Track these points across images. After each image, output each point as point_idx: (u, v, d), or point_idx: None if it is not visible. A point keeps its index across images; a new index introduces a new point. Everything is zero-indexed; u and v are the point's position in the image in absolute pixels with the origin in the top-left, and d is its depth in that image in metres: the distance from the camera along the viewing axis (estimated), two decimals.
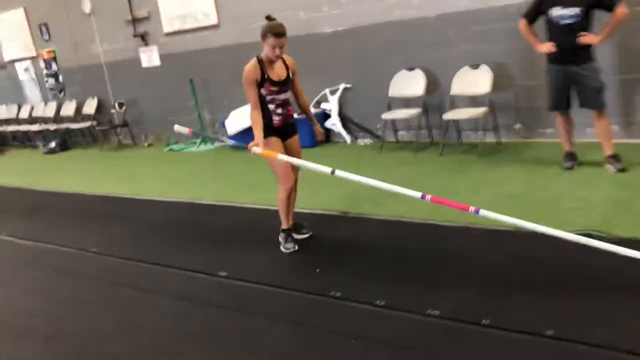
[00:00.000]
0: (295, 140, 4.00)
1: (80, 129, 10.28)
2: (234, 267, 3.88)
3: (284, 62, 3.85)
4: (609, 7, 4.54)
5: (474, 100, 6.15)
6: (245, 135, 7.78)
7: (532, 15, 4.88)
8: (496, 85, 5.92)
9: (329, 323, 3.03)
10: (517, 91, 6.04)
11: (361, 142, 7.14)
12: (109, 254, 4.51)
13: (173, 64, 8.86)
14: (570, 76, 4.71)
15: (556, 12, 4.64)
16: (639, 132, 5.39)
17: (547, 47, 4.75)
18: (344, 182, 4.67)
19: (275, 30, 3.65)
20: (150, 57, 9.10)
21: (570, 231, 3.56)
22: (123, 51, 9.42)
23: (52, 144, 10.20)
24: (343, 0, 6.87)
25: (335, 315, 3.10)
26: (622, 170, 4.57)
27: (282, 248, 4.02)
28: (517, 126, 6.11)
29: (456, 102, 6.18)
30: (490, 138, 6.04)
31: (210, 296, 3.58)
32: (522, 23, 4.96)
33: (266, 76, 3.72)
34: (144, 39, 9.04)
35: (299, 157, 3.99)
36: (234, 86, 8.13)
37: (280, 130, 3.88)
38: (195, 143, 8.73)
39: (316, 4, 7.14)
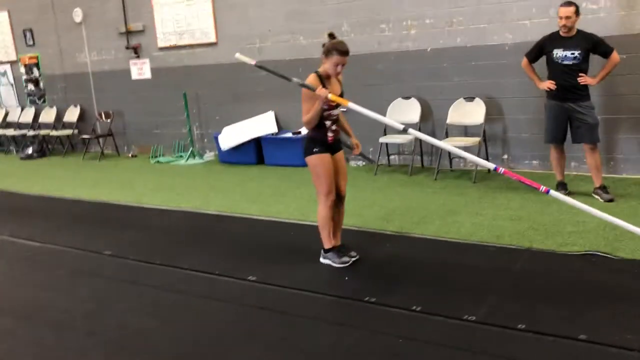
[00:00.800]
0: (341, 154, 4.16)
1: (58, 137, 10.18)
2: (262, 273, 4.05)
3: (338, 81, 4.05)
4: (605, 53, 5.07)
5: (467, 130, 6.56)
6: (239, 150, 8.02)
7: (535, 54, 5.35)
8: (487, 117, 6.36)
9: (371, 324, 3.25)
10: (506, 123, 6.48)
11: (353, 164, 7.43)
12: (125, 257, 4.61)
13: (165, 77, 8.97)
14: (568, 112, 5.16)
15: (558, 53, 5.11)
16: (619, 167, 5.90)
17: (548, 84, 5.21)
18: (387, 202, 4.98)
19: (341, 48, 3.85)
20: (141, 70, 9.18)
21: (575, 252, 3.97)
22: (113, 62, 9.46)
23: (29, 150, 10.04)
24: (344, 29, 7.22)
25: (375, 318, 3.32)
26: (610, 200, 5.02)
27: (336, 264, 4.06)
28: (506, 156, 6.54)
29: (450, 130, 6.57)
30: (475, 166, 6.43)
31: (244, 298, 3.74)
32: (525, 61, 5.41)
33: (327, 87, 3.90)
34: (136, 51, 9.12)
35: (345, 170, 4.17)
36: (229, 103, 8.43)
37: (332, 146, 4.05)
38: (182, 156, 8.82)
39: (317, 30, 7.43)
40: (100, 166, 8.98)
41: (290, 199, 6.03)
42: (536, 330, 2.99)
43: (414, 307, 3.35)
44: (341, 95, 4.00)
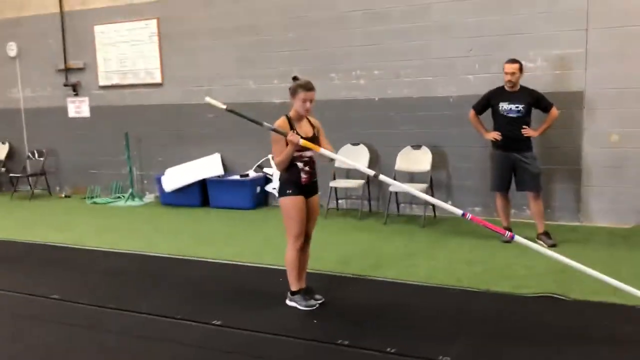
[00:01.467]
0: (315, 198, 4.17)
1: None
2: (226, 316, 3.96)
3: (310, 122, 4.10)
4: (545, 108, 5.49)
5: (414, 177, 6.80)
6: (183, 191, 7.88)
7: (482, 107, 5.69)
8: (433, 165, 6.64)
9: None
10: (450, 172, 6.79)
11: None
12: (75, 301, 4.37)
13: (105, 117, 8.76)
14: (512, 162, 5.50)
15: (504, 106, 5.47)
16: (556, 215, 6.28)
17: (494, 135, 5.55)
18: (342, 245, 5.05)
19: (306, 84, 3.96)
20: (79, 108, 8.91)
21: (531, 294, 4.18)
22: (48, 99, 9.14)
23: None
24: (296, 75, 7.35)
25: None
26: (553, 245, 5.33)
27: (301, 307, 4.05)
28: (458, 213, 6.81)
29: (397, 177, 6.78)
30: (426, 211, 6.65)
31: (210, 342, 3.64)
32: (472, 113, 5.75)
33: (295, 132, 3.95)
34: (74, 89, 8.86)
35: (316, 215, 4.19)
36: (172, 144, 8.32)
37: (306, 188, 4.06)
38: (121, 197, 8.55)
39: (267, 76, 7.58)
40: (32, 206, 8.53)
41: (244, 241, 5.98)
42: None
43: (389, 349, 3.38)
44: (315, 137, 4.04)
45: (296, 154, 3.97)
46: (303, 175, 4.02)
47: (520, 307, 4.01)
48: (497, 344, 3.43)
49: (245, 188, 7.63)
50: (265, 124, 4.06)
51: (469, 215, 3.82)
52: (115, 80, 8.58)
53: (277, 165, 4.03)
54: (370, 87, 6.97)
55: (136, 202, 8.37)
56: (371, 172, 4.11)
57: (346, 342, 3.51)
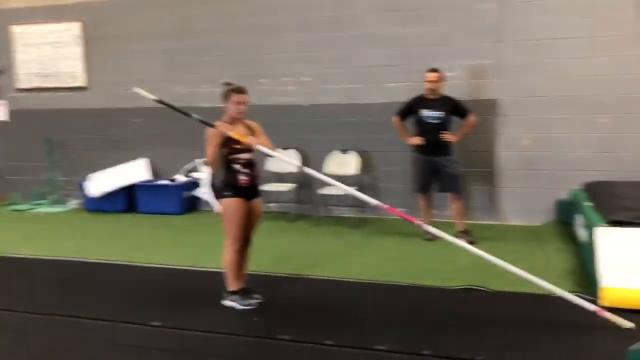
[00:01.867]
0: (258, 202, 4.27)
1: None
2: (165, 318, 4.01)
3: (246, 126, 4.20)
4: (463, 115, 5.89)
5: (342, 180, 7.03)
6: (108, 197, 7.75)
7: (405, 113, 6.03)
8: (360, 169, 6.92)
9: (289, 357, 3.42)
10: (376, 175, 7.10)
11: None
12: (8, 309, 4.28)
13: (24, 120, 8.44)
14: (434, 165, 5.86)
15: (425, 113, 5.83)
16: (474, 215, 6.71)
17: (416, 140, 5.89)
18: (275, 247, 5.18)
19: (237, 87, 4.12)
20: None
21: (455, 287, 4.51)
22: None
23: None
24: (227, 80, 7.44)
25: (294, 354, 3.50)
26: (472, 242, 5.71)
27: (240, 307, 4.15)
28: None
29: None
30: (353, 213, 6.92)
31: (153, 343, 3.69)
32: (396, 119, 6.07)
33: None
34: None
35: (259, 219, 4.31)
36: (97, 149, 8.15)
37: (247, 190, 4.14)
38: (43, 204, 8.27)
39: (195, 80, 7.60)
40: None
41: (174, 245, 6.00)
42: (441, 354, 3.38)
43: (327, 342, 3.58)
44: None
45: (231, 156, 4.08)
46: (242, 177, 4.11)
47: (444, 299, 4.33)
48: (425, 332, 3.71)
49: (174, 193, 7.62)
50: (193, 115, 4.19)
51: (385, 206, 4.07)
52: (36, 83, 8.29)
53: (210, 164, 4.10)
54: (300, 93, 7.18)
55: (59, 209, 8.12)
56: (296, 164, 4.23)
57: (286, 337, 3.68)
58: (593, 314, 3.68)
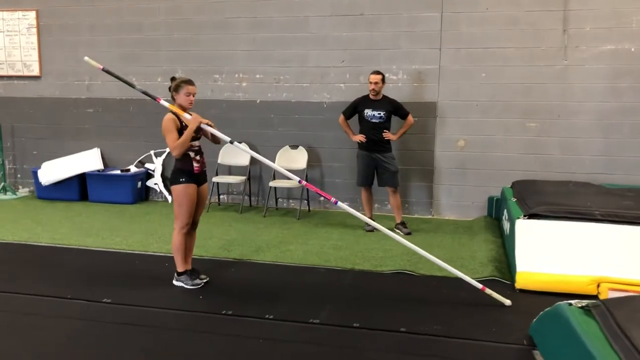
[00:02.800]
0: (205, 187, 4.60)
1: None
2: (116, 295, 4.27)
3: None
4: (403, 115, 6.34)
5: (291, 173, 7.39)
6: (60, 185, 7.86)
7: (350, 112, 6.43)
8: (309, 163, 7.29)
9: (233, 331, 3.73)
10: (323, 170, 7.48)
11: None
12: None
13: None
14: (375, 161, 6.28)
15: (368, 112, 6.24)
16: (412, 209, 7.19)
17: (359, 137, 6.30)
18: (224, 235, 5.49)
19: (188, 80, 4.42)
20: None
21: (388, 271, 4.92)
22: None
23: None
24: (178, 75, 7.61)
25: (235, 326, 3.81)
26: (409, 233, 6.17)
27: (188, 286, 4.45)
28: (297, 180, 7.51)
29: (277, 174, 7.35)
30: (300, 205, 7.27)
31: (104, 317, 3.94)
32: (342, 118, 6.47)
33: (183, 124, 4.35)
34: None
35: (205, 201, 4.62)
36: (49, 137, 8.25)
37: (198, 177, 4.46)
38: None
39: (151, 74, 7.79)
40: None
41: (127, 232, 6.20)
42: (368, 327, 3.78)
43: (267, 316, 3.93)
44: (198, 127, 4.43)
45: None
46: (195, 165, 4.42)
47: (379, 281, 4.73)
48: (357, 309, 4.10)
49: (126, 183, 7.79)
50: (137, 87, 4.55)
51: (304, 182, 4.67)
52: None
53: (176, 149, 4.28)
54: (252, 90, 7.48)
55: (9, 196, 8.17)
56: (227, 139, 4.48)
57: (230, 312, 4.00)
58: (481, 290, 4.24)
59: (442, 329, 3.75)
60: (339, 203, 4.56)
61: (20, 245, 5.72)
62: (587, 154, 6.65)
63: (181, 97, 4.40)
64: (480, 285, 4.28)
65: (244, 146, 4.60)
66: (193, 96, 4.43)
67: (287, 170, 7.22)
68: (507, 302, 4.20)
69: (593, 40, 6.47)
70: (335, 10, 7.12)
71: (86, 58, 4.61)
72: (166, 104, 4.48)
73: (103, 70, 4.56)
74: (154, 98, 4.55)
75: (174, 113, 4.37)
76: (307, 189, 7.32)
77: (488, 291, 4.24)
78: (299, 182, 4.69)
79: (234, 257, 5.33)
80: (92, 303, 4.16)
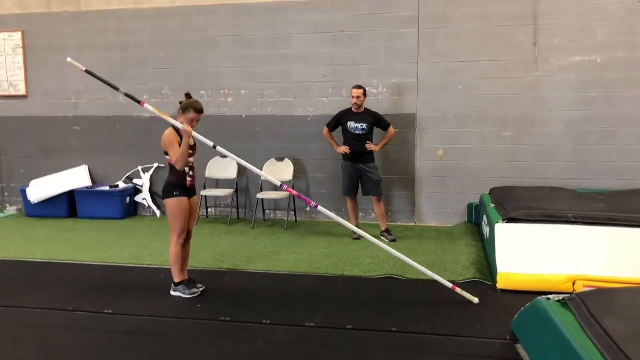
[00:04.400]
0: (196, 199, 4.82)
1: None
2: (116, 306, 4.43)
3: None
4: (385, 127, 6.62)
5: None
6: (49, 203, 7.95)
7: (333, 125, 6.69)
8: (295, 175, 7.51)
9: (233, 336, 3.93)
10: (308, 181, 7.71)
11: None
12: None
13: None
14: (358, 171, 6.54)
15: (351, 125, 6.51)
16: (395, 217, 7.46)
17: (343, 149, 6.56)
18: (215, 246, 5.66)
19: (198, 107, 4.59)
20: None
21: (376, 276, 5.15)
22: None
23: None
24: (164, 92, 7.89)
25: (235, 331, 4.00)
26: (393, 240, 6.42)
27: (186, 296, 4.64)
28: (308, 208, 7.74)
29: (263, 185, 7.57)
30: (288, 216, 7.48)
31: (106, 326, 4.10)
32: (326, 130, 6.72)
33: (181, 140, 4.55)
34: None
35: (196, 213, 4.84)
36: (36, 156, 8.35)
37: (189, 190, 4.67)
38: None
39: (137, 91, 7.83)
40: None
41: (119, 246, 6.34)
42: (360, 328, 4.00)
43: (264, 321, 4.13)
44: (195, 145, 4.71)
45: None
46: (188, 179, 4.64)
47: (368, 286, 4.96)
48: (350, 312, 4.32)
49: (115, 199, 7.92)
50: (121, 89, 4.76)
51: (285, 187, 4.90)
52: None
53: (179, 161, 4.47)
54: (238, 105, 7.70)
55: None
56: (211, 143, 4.68)
57: (228, 319, 4.19)
58: (452, 290, 4.54)
59: (430, 328, 3.99)
60: (320, 207, 4.81)
61: (15, 261, 5.83)
62: (560, 160, 6.99)
63: (186, 120, 4.57)
64: (450, 285, 4.57)
65: (225, 151, 4.78)
66: (196, 123, 4.62)
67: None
68: (475, 300, 4.47)
69: (562, 52, 6.84)
70: (316, 27, 7.40)
71: (69, 59, 4.80)
72: (150, 108, 4.73)
73: (86, 72, 4.69)
74: (138, 102, 4.75)
75: (177, 131, 4.54)
76: (295, 200, 7.55)
77: (458, 290, 4.53)
78: (280, 186, 4.89)
79: (226, 267, 5.52)
80: (95, 314, 4.32)
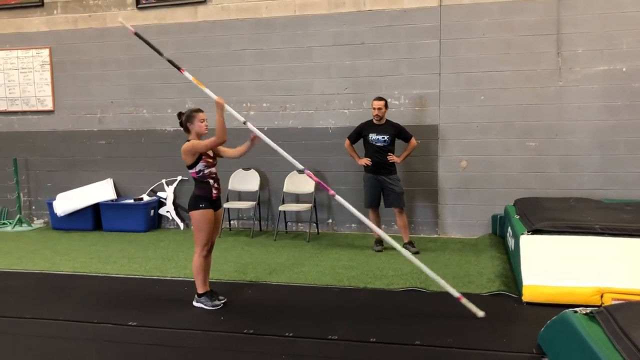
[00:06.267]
0: (221, 211, 4.87)
1: None
2: (140, 318, 4.46)
3: None
4: (406, 139, 6.59)
5: (299, 198, 7.65)
6: (75, 216, 8.07)
7: (355, 137, 6.69)
8: (316, 187, 7.52)
9: (256, 348, 3.92)
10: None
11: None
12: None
13: None
14: (380, 183, 6.51)
15: (372, 136, 6.50)
16: (418, 228, 7.41)
17: (365, 161, 6.55)
18: (238, 258, 5.66)
19: (197, 109, 4.75)
20: None
21: (399, 288, 5.11)
22: None
23: None
24: (187, 106, 7.94)
25: (258, 344, 3.99)
26: (416, 253, 6.37)
27: (208, 307, 4.66)
28: (300, 168, 7.73)
29: (285, 197, 7.59)
30: (309, 228, 7.48)
31: (131, 338, 4.13)
32: (347, 142, 6.73)
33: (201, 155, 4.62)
34: None
35: (220, 225, 4.88)
36: (63, 170, 8.49)
37: (215, 202, 4.71)
38: (7, 223, 8.52)
39: (161, 105, 8.09)
40: None
41: (143, 259, 6.40)
42: (384, 341, 3.97)
43: (287, 334, 4.11)
44: (214, 154, 4.77)
45: (207, 169, 4.63)
46: (214, 191, 4.68)
47: (391, 299, 4.93)
48: (372, 324, 4.29)
49: (139, 211, 8.01)
50: (164, 54, 5.10)
51: (306, 171, 5.00)
52: (3, 107, 8.60)
53: (221, 135, 4.53)
54: (260, 118, 7.75)
55: (24, 228, 8.39)
56: (242, 119, 4.91)
57: (251, 331, 4.19)
58: (458, 299, 4.46)
59: (455, 341, 3.94)
60: (337, 197, 4.91)
61: (41, 274, 5.93)
62: (586, 170, 6.89)
63: (196, 125, 4.67)
64: (457, 295, 4.49)
65: (254, 128, 4.98)
66: (206, 121, 4.70)
67: (296, 194, 7.61)
68: (480, 313, 4.38)
69: (586, 61, 6.76)
70: (337, 40, 7.43)
71: (120, 19, 5.24)
72: (189, 76, 4.97)
73: (135, 34, 4.99)
74: (178, 68, 5.05)
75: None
76: (317, 212, 7.55)
77: (464, 301, 4.43)
78: (303, 170, 5.01)
79: (249, 279, 5.53)
80: (119, 326, 4.35)
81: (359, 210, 5.13)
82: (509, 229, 6.14)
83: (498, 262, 5.89)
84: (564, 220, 5.32)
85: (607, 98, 6.77)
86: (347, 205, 4.87)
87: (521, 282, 4.87)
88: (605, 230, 5.04)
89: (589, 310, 3.31)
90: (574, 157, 6.92)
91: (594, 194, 6.74)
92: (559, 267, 4.81)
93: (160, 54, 5.05)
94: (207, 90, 4.86)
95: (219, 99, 4.62)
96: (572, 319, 3.25)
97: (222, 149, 4.86)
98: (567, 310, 3.42)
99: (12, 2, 8.41)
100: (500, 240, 6.78)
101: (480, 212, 7.24)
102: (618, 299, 4.37)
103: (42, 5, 8.36)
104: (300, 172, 5.01)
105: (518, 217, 5.95)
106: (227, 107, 4.74)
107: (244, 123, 4.83)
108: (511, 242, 5.86)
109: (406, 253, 4.71)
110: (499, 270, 5.60)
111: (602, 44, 6.70)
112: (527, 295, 4.73)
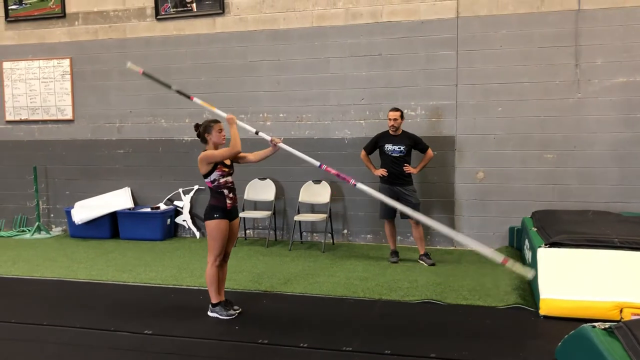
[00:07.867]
0: (237, 221, 4.88)
1: None
2: (156, 327, 4.48)
3: None
4: (422, 149, 6.58)
5: (314, 208, 7.65)
6: (92, 224, 8.15)
7: (371, 148, 6.68)
8: (332, 198, 7.52)
9: (269, 357, 3.92)
10: (345, 204, 7.70)
11: None
12: (6, 320, 4.70)
13: (10, 150, 8.85)
14: (396, 194, 6.48)
15: (388, 147, 6.49)
16: (434, 240, 7.37)
17: (381, 171, 6.53)
18: (253, 268, 5.66)
19: (214, 120, 4.80)
20: None
21: (414, 300, 5.08)
22: None
23: None
24: (205, 116, 8.00)
25: (272, 354, 3.99)
26: (432, 264, 6.33)
27: (223, 317, 4.68)
28: (317, 164, 7.72)
29: (301, 207, 7.60)
30: (324, 239, 7.47)
31: (147, 347, 4.15)
32: (363, 153, 6.73)
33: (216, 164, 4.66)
34: None
35: (236, 235, 4.89)
36: (81, 178, 8.59)
37: (230, 212, 4.73)
38: (26, 231, 8.63)
39: (179, 115, 8.17)
40: None
41: (160, 267, 6.44)
42: (399, 353, 3.94)
43: (302, 344, 4.10)
44: (231, 163, 4.83)
45: (222, 178, 4.66)
46: (228, 201, 4.70)
47: (406, 311, 4.89)
48: (387, 336, 4.26)
49: (156, 220, 8.07)
50: (173, 86, 5.29)
51: (324, 167, 5.06)
52: (24, 116, 8.74)
53: (235, 146, 4.64)
54: (276, 128, 7.78)
55: (43, 235, 8.49)
56: (253, 130, 5.25)
57: (266, 341, 4.18)
58: (503, 263, 4.20)
59: (471, 355, 3.90)
60: (359, 184, 4.96)
61: (59, 281, 5.99)
62: (604, 183, 6.81)
63: (214, 136, 4.70)
64: (501, 258, 4.21)
65: (266, 135, 5.25)
66: (224, 132, 4.75)
67: (311, 204, 7.61)
68: (530, 274, 4.46)
69: (605, 73, 6.70)
70: (354, 51, 7.46)
71: (129, 63, 5.39)
72: (199, 101, 5.20)
73: (143, 74, 5.25)
74: (188, 97, 5.25)
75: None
76: (332, 222, 7.54)
77: (509, 264, 4.16)
78: (320, 166, 5.08)
79: (264, 289, 5.53)
80: (135, 335, 4.37)
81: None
82: (526, 242, 6.08)
83: (515, 275, 5.81)
84: (582, 233, 5.25)
85: (626, 110, 6.70)
86: (370, 190, 5.01)
87: (538, 296, 4.82)
88: (625, 244, 4.96)
89: (607, 325, 3.26)
90: (592, 170, 6.84)
91: (612, 207, 6.66)
92: (577, 281, 4.75)
93: (168, 87, 5.31)
94: (217, 111, 5.08)
95: (229, 116, 4.78)
96: (590, 333, 3.20)
97: (242, 155, 4.89)
98: (585, 324, 3.37)
99: (36, 14, 8.57)
100: (517, 253, 6.71)
101: (497, 224, 7.18)
102: (638, 314, 4.31)
103: (64, 16, 8.51)
104: (319, 167, 5.16)
105: (535, 229, 5.89)
106: (238, 121, 4.89)
107: (256, 133, 4.92)
108: (528, 255, 5.80)
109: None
110: (516, 283, 5.55)
111: (621, 55, 6.64)
112: (545, 309, 4.67)
